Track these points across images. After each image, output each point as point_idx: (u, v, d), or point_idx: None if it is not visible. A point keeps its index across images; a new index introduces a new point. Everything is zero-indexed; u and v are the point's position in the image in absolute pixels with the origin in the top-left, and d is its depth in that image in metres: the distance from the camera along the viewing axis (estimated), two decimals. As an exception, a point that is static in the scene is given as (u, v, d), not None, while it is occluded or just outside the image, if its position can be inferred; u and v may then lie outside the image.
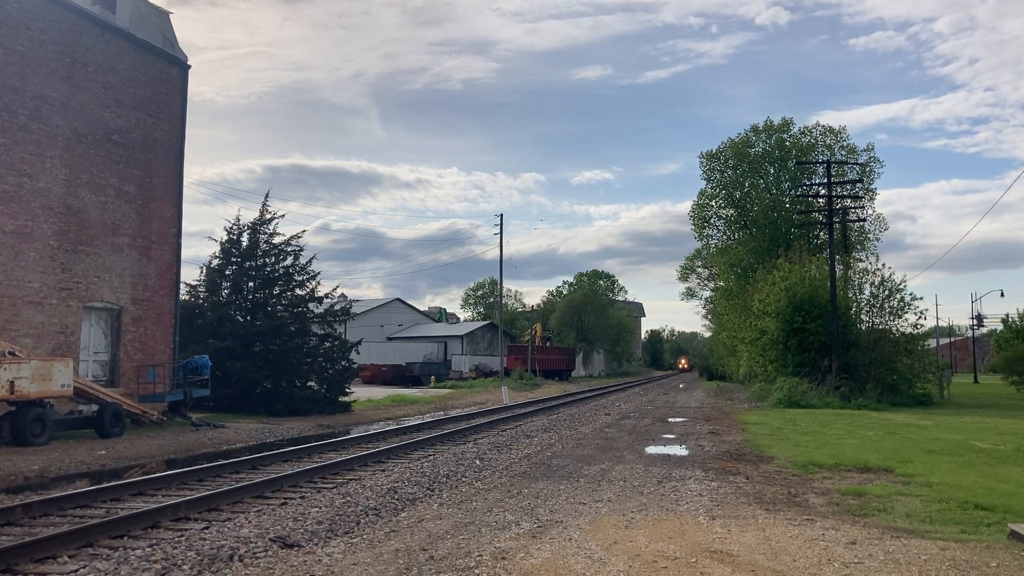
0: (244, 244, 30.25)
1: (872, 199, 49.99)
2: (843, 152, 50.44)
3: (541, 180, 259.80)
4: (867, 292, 35.47)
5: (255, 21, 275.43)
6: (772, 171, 52.40)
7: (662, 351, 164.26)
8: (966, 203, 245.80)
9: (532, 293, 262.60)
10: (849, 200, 42.91)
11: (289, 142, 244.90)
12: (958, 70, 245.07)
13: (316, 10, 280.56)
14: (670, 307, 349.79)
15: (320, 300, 31.23)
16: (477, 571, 6.68)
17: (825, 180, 35.05)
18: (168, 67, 25.00)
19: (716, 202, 54.64)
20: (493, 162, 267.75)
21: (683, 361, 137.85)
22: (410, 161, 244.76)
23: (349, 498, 10.61)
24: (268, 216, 30.70)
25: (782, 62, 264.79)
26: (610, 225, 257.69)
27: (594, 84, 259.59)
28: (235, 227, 30.55)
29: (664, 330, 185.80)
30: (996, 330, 72.29)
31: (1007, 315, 64.92)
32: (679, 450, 16.06)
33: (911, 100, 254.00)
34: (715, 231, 56.19)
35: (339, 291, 33.17)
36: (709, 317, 75.63)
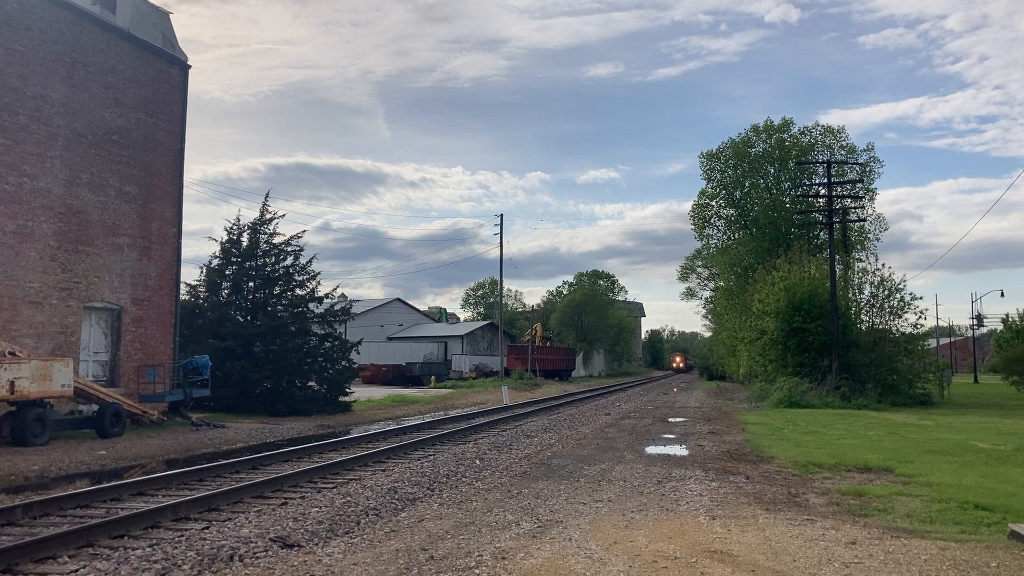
0: (244, 244, 30.25)
1: (872, 199, 50.06)
2: (843, 152, 50.49)
3: (547, 179, 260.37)
4: (867, 292, 35.53)
5: (265, 18, 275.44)
6: (772, 171, 52.43)
7: (662, 351, 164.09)
8: (973, 202, 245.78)
9: (534, 293, 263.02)
10: (849, 200, 42.91)
11: (294, 141, 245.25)
12: (967, 68, 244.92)
13: (326, 6, 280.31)
14: (670, 307, 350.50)
15: (320, 300, 31.22)
16: (477, 571, 6.69)
17: (825, 180, 35.04)
18: (168, 67, 24.99)
19: (716, 202, 54.69)
20: (499, 161, 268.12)
21: (677, 359, 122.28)
22: (415, 160, 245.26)
23: (349, 498, 10.61)
24: (268, 216, 30.72)
25: (791, 60, 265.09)
26: (613, 224, 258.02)
27: (604, 81, 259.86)
28: (235, 227, 30.57)
29: (664, 330, 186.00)
30: (996, 330, 72.27)
31: (1007, 315, 64.98)
32: (679, 450, 16.06)
33: (919, 99, 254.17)
34: (715, 231, 56.24)
35: (339, 291, 33.14)
36: (709, 317, 75.72)
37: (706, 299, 72.26)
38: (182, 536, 8.42)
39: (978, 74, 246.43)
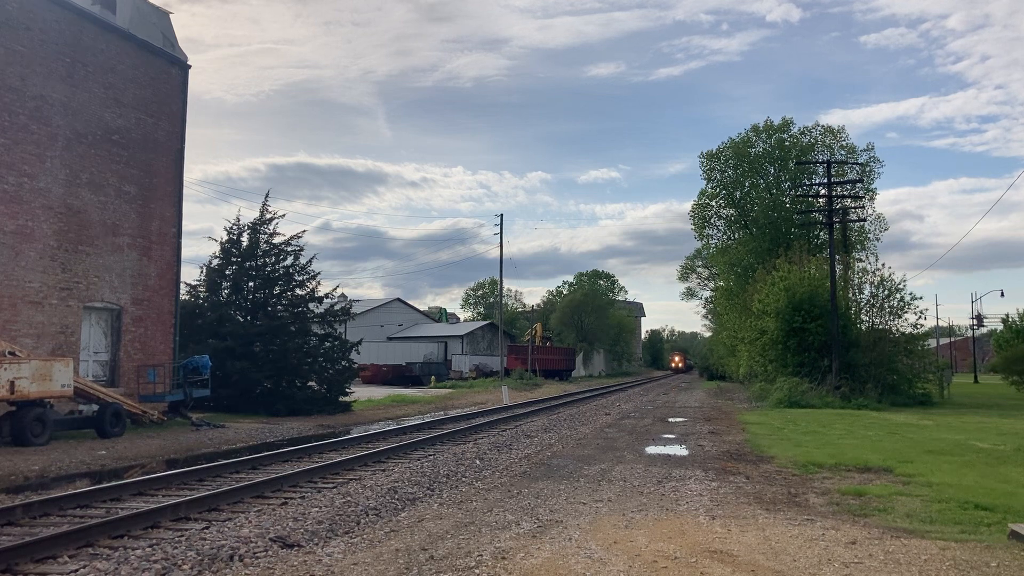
0: (244, 244, 30.28)
1: (872, 199, 50.08)
2: (843, 152, 50.51)
3: (547, 179, 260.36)
4: (867, 292, 35.55)
5: (266, 18, 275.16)
6: (772, 171, 52.44)
7: (662, 351, 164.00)
8: (974, 202, 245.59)
9: (534, 293, 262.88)
10: (849, 200, 42.93)
11: (294, 141, 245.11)
12: (969, 67, 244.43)
13: (328, 6, 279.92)
14: (670, 307, 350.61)
15: (320, 300, 31.23)
16: (477, 571, 6.68)
17: (825, 180, 35.05)
18: (168, 67, 24.99)
19: (716, 202, 54.68)
20: (499, 161, 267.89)
21: (677, 359, 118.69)
22: (416, 160, 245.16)
23: (349, 498, 10.61)
24: (268, 216, 30.76)
25: (792, 60, 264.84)
26: (613, 224, 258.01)
27: (606, 81, 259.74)
28: (235, 227, 30.61)
29: (664, 330, 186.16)
30: (996, 330, 72.25)
31: (1007, 315, 64.97)
32: (679, 450, 16.06)
33: (920, 99, 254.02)
34: (715, 231, 56.23)
35: (339, 291, 33.16)
36: (709, 317, 75.75)
37: (706, 299, 72.37)
38: (182, 536, 8.42)
39: (979, 74, 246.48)
